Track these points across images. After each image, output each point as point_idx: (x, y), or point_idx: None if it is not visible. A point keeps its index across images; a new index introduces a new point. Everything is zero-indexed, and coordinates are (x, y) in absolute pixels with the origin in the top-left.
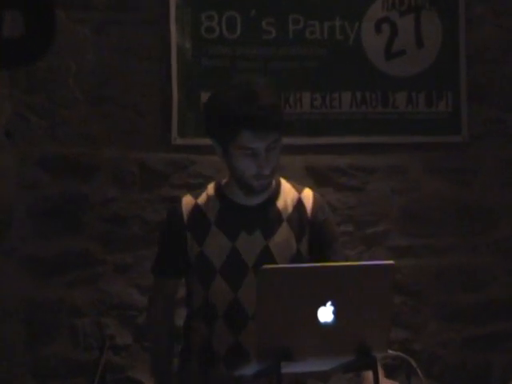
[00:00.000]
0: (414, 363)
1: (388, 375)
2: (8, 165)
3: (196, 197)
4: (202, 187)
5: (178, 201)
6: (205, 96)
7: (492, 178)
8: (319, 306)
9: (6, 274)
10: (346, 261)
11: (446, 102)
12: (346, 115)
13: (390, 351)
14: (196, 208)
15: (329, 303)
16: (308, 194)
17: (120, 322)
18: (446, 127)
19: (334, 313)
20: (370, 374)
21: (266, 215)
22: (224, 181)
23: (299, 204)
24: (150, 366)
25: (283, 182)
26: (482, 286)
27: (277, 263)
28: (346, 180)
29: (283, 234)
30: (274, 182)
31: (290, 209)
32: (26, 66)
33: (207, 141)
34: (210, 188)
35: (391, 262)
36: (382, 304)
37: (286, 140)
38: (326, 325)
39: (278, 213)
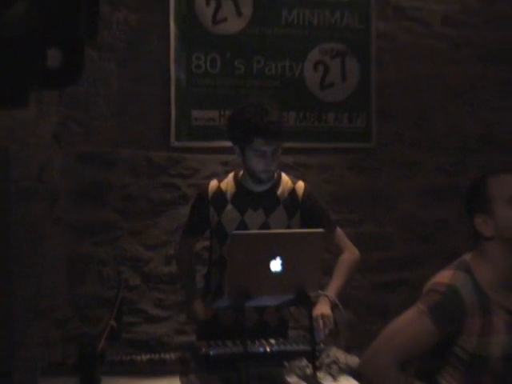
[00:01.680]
0: (336, 300)
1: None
2: (56, 159)
3: (220, 181)
4: (191, 177)
5: (207, 183)
6: (195, 113)
7: (393, 174)
8: (271, 260)
9: (54, 236)
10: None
11: (362, 120)
12: (292, 128)
13: (320, 291)
14: (218, 189)
15: (278, 258)
16: (300, 185)
17: (132, 270)
18: (362, 137)
19: (282, 265)
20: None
21: (268, 199)
22: (241, 172)
23: (293, 192)
24: (181, 283)
25: (283, 175)
26: (385, 248)
27: None
28: (291, 173)
29: (279, 213)
30: (276, 175)
31: (286, 195)
32: (64, 89)
33: (196, 144)
34: (231, 176)
35: (321, 230)
36: (315, 259)
37: None
38: (275, 273)
39: (277, 198)
